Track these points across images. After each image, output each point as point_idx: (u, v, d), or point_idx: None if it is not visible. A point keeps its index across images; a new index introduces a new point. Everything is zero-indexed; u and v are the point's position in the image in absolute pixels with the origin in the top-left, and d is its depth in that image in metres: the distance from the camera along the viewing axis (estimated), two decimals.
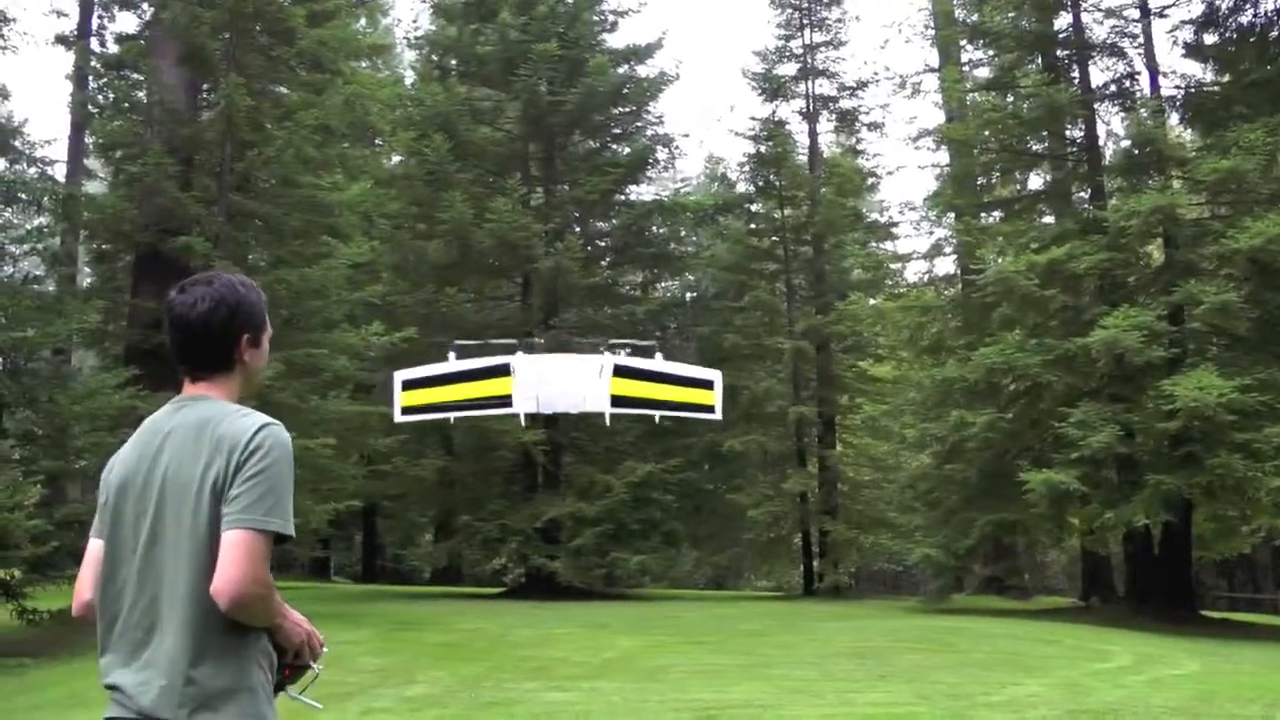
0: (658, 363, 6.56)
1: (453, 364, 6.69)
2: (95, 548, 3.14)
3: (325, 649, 3.23)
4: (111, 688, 3.00)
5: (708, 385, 6.82)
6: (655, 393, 6.65)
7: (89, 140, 28.26)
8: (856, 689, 12.57)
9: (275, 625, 3.04)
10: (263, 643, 3.05)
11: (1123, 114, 27.39)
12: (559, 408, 6.77)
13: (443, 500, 31.97)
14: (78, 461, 18.69)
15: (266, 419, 3.01)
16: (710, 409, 7.41)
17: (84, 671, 11.98)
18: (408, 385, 6.77)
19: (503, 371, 6.19)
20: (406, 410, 7.32)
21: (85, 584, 3.16)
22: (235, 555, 2.83)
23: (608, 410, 6.59)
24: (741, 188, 36.81)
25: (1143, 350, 22.15)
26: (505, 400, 6.42)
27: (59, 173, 30.68)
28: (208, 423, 2.99)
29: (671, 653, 16.09)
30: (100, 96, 24.52)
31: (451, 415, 7.94)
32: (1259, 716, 10.84)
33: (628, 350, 7.29)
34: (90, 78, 26.15)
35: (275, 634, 3.06)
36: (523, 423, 7.45)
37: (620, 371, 6.47)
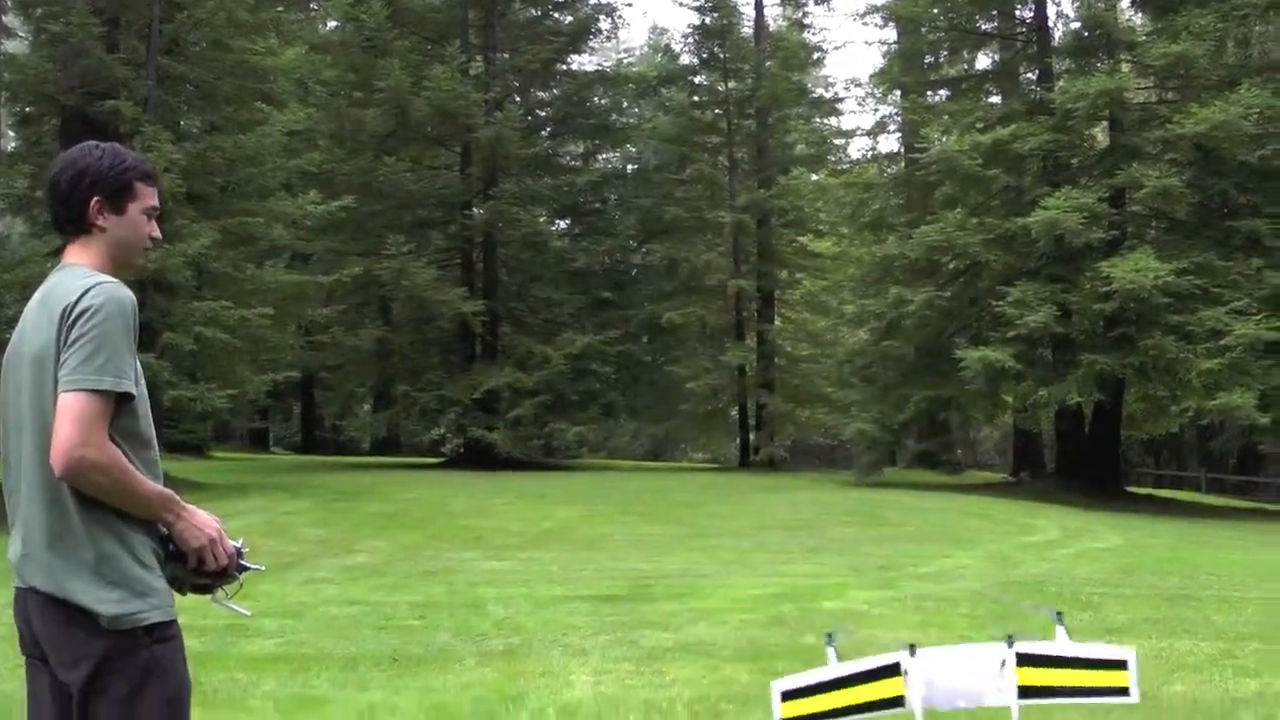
0: (1063, 644, 5.94)
1: (834, 667, 6.04)
2: None
3: (246, 549, 2.98)
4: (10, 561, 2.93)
5: (1120, 665, 6.17)
6: (1063, 679, 6.05)
7: None
8: (789, 560, 12.78)
9: (162, 520, 2.85)
10: (144, 526, 2.84)
11: None
12: (957, 704, 6.23)
13: (381, 370, 31.88)
14: (8, 332, 18.32)
15: (102, 279, 2.83)
16: (1125, 691, 6.64)
17: None
18: (787, 696, 6.09)
19: (892, 672, 5.67)
20: None
21: None
22: (62, 419, 2.71)
23: (1015, 704, 6.09)
24: (685, 59, 36.37)
25: (1082, 232, 22.31)
26: (897, 701, 5.86)
27: None
28: (53, 291, 2.87)
29: (609, 523, 16.27)
30: None
31: None
32: (1176, 588, 11.15)
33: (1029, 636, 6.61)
34: None
35: (170, 533, 2.85)
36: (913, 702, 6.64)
37: (1025, 660, 5.91)
